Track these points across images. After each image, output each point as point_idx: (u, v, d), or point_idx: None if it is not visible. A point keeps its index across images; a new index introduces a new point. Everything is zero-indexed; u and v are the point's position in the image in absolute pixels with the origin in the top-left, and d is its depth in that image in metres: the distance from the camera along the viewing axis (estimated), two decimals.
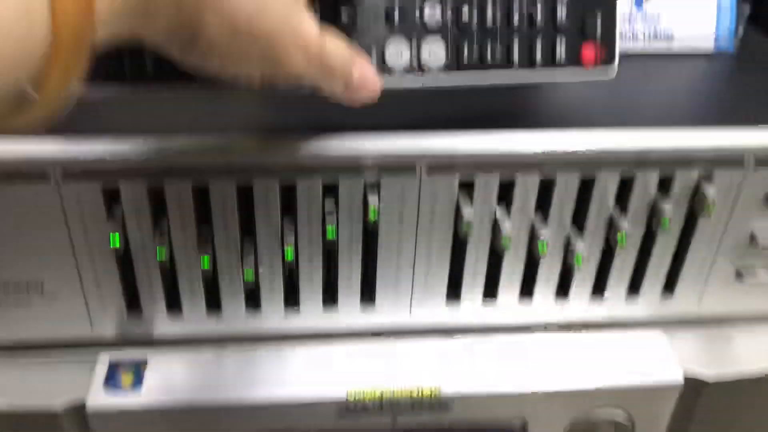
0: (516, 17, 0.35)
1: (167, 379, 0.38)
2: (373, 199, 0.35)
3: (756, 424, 0.43)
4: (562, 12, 0.35)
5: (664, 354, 0.41)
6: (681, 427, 0.42)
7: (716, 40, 0.45)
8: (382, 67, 0.33)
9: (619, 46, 0.36)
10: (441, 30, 0.34)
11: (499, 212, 0.37)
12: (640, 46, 0.45)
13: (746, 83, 0.43)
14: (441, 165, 0.35)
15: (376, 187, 0.35)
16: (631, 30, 0.44)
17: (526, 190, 0.36)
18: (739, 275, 0.41)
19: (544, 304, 0.41)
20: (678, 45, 0.45)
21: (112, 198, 0.34)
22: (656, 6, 0.44)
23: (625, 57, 0.43)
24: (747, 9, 0.45)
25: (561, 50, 0.36)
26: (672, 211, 0.37)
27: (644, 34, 0.44)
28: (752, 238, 0.39)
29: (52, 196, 0.34)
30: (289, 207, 0.36)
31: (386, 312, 0.40)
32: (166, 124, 0.34)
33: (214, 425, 0.38)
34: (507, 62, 0.35)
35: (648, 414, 0.41)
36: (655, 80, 0.42)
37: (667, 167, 0.36)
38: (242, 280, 0.37)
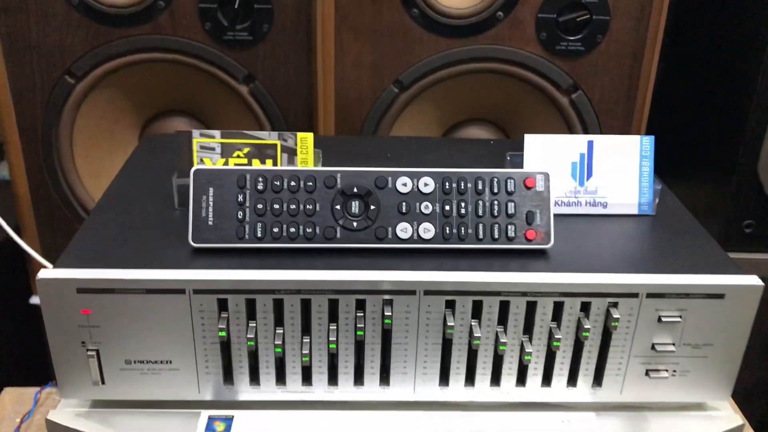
0: (481, 211, 0.55)
1: (247, 427, 0.56)
2: (387, 311, 0.54)
3: None
4: (513, 209, 0.55)
5: (592, 427, 0.57)
6: None
7: (639, 206, 0.64)
8: (395, 239, 0.54)
9: (553, 226, 0.55)
10: (432, 218, 0.55)
11: (473, 323, 0.55)
12: (582, 210, 0.64)
13: (654, 239, 0.61)
14: (432, 290, 0.54)
15: (390, 303, 0.54)
16: (576, 199, 0.63)
17: (491, 309, 0.55)
18: (647, 373, 0.58)
19: (507, 388, 0.58)
20: (611, 210, 0.64)
21: (221, 306, 0.54)
22: (594, 183, 0.64)
23: (572, 216, 0.63)
24: (660, 184, 0.64)
25: (513, 231, 0.56)
26: (591, 326, 0.55)
27: (585, 202, 0.64)
28: (653, 347, 0.57)
29: (185, 303, 0.54)
30: (333, 316, 0.55)
31: (397, 390, 0.58)
32: (255, 265, 0.54)
33: None
34: (476, 238, 0.55)
35: None
36: (589, 236, 0.61)
37: (586, 297, 0.55)
38: (301, 364, 0.56)
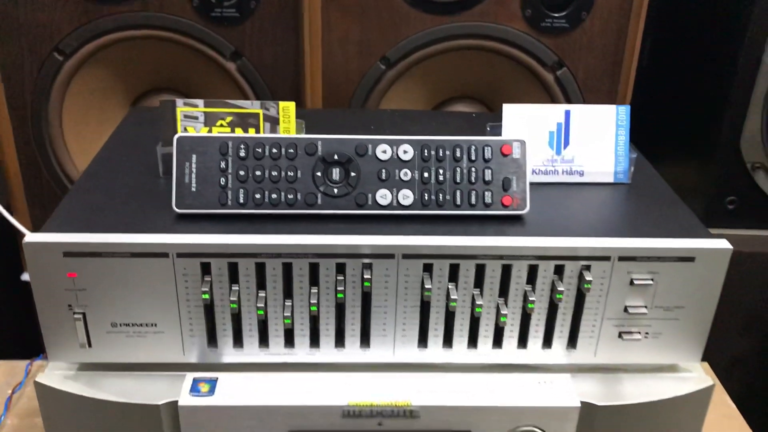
0: (459, 177, 0.56)
1: (231, 389, 0.58)
2: (367, 275, 0.56)
3: None
4: (490, 175, 0.56)
5: (568, 389, 0.59)
6: None
7: (615, 174, 0.65)
8: (375, 205, 0.55)
9: (530, 190, 0.57)
10: (411, 184, 0.56)
11: (450, 286, 0.57)
12: (559, 179, 0.65)
13: (628, 206, 0.63)
14: (411, 254, 0.55)
15: (370, 267, 0.56)
16: (553, 168, 0.65)
17: (467, 272, 0.56)
18: (620, 335, 0.59)
19: (484, 350, 0.60)
20: (587, 178, 0.65)
21: (205, 270, 0.55)
22: (571, 152, 0.65)
23: (549, 185, 0.64)
24: (635, 152, 0.66)
25: (490, 197, 0.57)
26: (564, 289, 0.56)
27: (562, 170, 0.65)
28: (626, 309, 0.58)
29: (168, 267, 0.55)
30: (314, 279, 0.56)
31: (377, 352, 0.60)
32: (238, 230, 0.56)
33: (259, 418, 0.57)
34: (454, 204, 0.57)
35: (558, 429, 0.59)
36: (565, 203, 0.62)
37: (559, 260, 0.56)
38: (283, 326, 0.58)
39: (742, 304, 1.22)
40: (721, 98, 1.14)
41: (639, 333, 0.59)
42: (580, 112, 0.65)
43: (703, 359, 0.62)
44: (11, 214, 1.01)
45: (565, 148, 0.65)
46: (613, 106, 0.65)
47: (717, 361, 1.00)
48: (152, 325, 0.57)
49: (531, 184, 0.60)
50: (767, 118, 1.14)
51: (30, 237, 0.54)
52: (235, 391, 0.58)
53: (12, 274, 1.19)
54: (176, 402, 0.57)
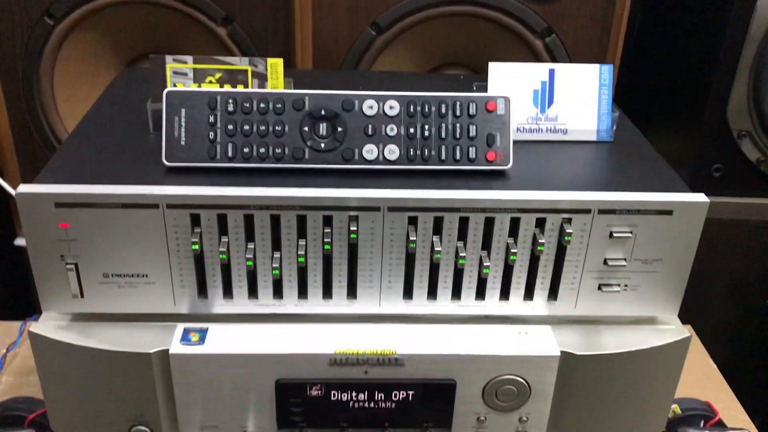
0: (444, 133, 0.57)
1: (221, 338, 0.59)
2: (353, 227, 0.57)
3: (616, 390, 0.62)
4: (475, 131, 0.57)
5: (548, 339, 0.61)
6: (564, 391, 0.61)
7: (598, 132, 0.67)
8: (361, 160, 0.56)
9: (513, 146, 0.58)
10: (397, 140, 0.57)
11: (434, 238, 0.58)
12: (543, 137, 0.66)
13: (610, 162, 0.64)
14: (396, 207, 0.57)
15: (356, 219, 0.57)
16: (537, 126, 0.66)
17: (451, 225, 0.58)
18: (600, 288, 0.61)
19: (467, 302, 0.61)
20: (570, 136, 0.67)
21: (194, 221, 0.57)
22: (555, 110, 0.66)
23: (533, 143, 0.65)
24: (617, 111, 0.67)
25: (474, 153, 0.58)
26: (545, 241, 0.58)
27: (546, 128, 0.66)
28: (605, 262, 0.60)
29: (159, 217, 0.56)
30: (301, 232, 0.58)
31: (363, 304, 0.61)
32: (226, 183, 0.57)
33: (248, 366, 0.59)
34: (439, 159, 0.58)
35: (539, 379, 0.61)
36: (548, 160, 0.64)
37: (541, 213, 0.57)
38: (272, 277, 0.59)
39: (727, 270, 1.24)
40: (709, 66, 1.15)
41: (618, 285, 0.61)
42: (564, 71, 0.66)
43: (688, 324, 0.63)
44: (2, 177, 1.02)
45: (549, 106, 0.66)
46: (596, 66, 0.66)
47: (701, 326, 1.03)
48: (143, 275, 0.59)
49: (515, 141, 0.61)
50: (754, 87, 1.15)
51: (22, 188, 0.55)
52: (224, 340, 0.59)
53: (6, 240, 1.20)
54: (167, 350, 0.58)
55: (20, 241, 1.20)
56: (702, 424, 0.76)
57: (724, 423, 0.77)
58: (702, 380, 0.93)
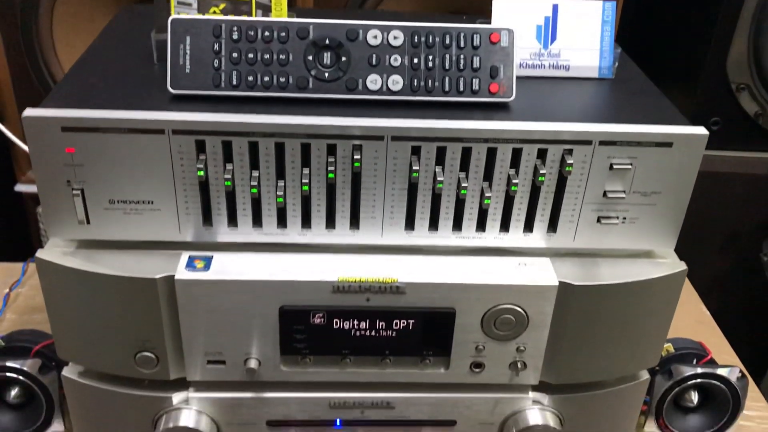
0: (448, 64, 0.58)
1: (225, 265, 0.60)
2: (357, 156, 0.58)
3: (612, 322, 0.63)
4: (478, 63, 0.58)
5: (546, 269, 0.62)
6: (561, 321, 0.63)
7: (600, 69, 0.67)
8: (365, 90, 0.56)
9: (516, 80, 0.59)
10: (401, 70, 0.57)
11: (437, 169, 0.59)
12: (545, 73, 0.67)
13: (611, 97, 0.65)
14: (399, 136, 0.57)
15: (360, 148, 0.58)
16: (540, 62, 0.66)
17: (453, 155, 0.58)
18: (599, 220, 0.62)
19: (468, 233, 0.62)
20: (573, 72, 0.67)
21: (200, 148, 0.57)
22: (558, 46, 0.66)
23: (535, 79, 0.66)
24: (619, 48, 0.67)
25: (477, 84, 0.59)
26: (546, 172, 0.59)
27: (549, 64, 0.67)
28: (605, 194, 0.61)
29: (164, 143, 0.57)
30: (306, 160, 0.58)
31: (366, 234, 0.62)
32: (231, 111, 0.57)
33: (252, 293, 0.60)
34: (442, 90, 0.58)
35: (537, 309, 0.62)
36: (550, 94, 0.64)
37: (542, 144, 0.58)
38: (276, 206, 0.60)
39: (723, 224, 1.25)
40: (709, 18, 1.15)
41: (617, 218, 0.62)
42: (568, 6, 0.66)
43: None
44: (2, 122, 1.02)
45: (552, 42, 0.66)
46: (599, 2, 0.66)
47: (696, 279, 1.04)
48: (149, 202, 0.59)
49: (518, 77, 0.61)
50: (754, 39, 1.15)
51: (29, 112, 0.55)
52: (229, 267, 0.60)
53: (6, 185, 1.20)
54: (173, 276, 0.59)
55: (20, 187, 1.21)
56: (694, 362, 0.78)
57: (716, 362, 0.79)
58: (694, 325, 0.95)
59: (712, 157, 1.20)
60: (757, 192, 1.23)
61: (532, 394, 0.68)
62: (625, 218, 0.62)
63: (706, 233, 1.24)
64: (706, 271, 1.26)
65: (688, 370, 0.75)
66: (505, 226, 0.62)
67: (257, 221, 0.61)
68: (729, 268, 1.28)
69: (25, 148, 0.90)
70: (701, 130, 0.59)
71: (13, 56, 1.10)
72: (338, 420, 0.68)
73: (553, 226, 0.62)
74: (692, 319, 0.97)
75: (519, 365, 0.65)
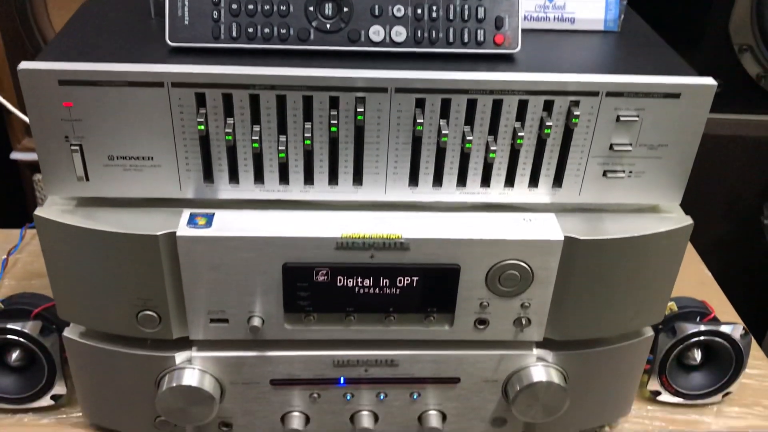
0: (452, 14, 0.56)
1: (227, 222, 0.59)
2: (360, 108, 0.57)
3: (617, 278, 0.63)
4: (483, 13, 0.57)
5: (552, 224, 0.61)
6: (566, 277, 0.62)
7: (605, 22, 0.66)
8: (368, 41, 0.55)
9: (521, 32, 0.58)
10: (404, 21, 0.56)
11: (441, 122, 0.58)
12: (550, 26, 0.65)
13: (617, 49, 0.64)
14: (403, 88, 0.56)
15: (363, 101, 0.57)
16: (545, 14, 0.65)
17: (458, 107, 0.57)
18: (605, 174, 0.61)
19: (473, 189, 0.61)
20: (578, 25, 0.66)
21: (200, 101, 0.56)
22: None
23: (541, 32, 0.65)
24: (625, 1, 0.66)
25: (482, 35, 0.58)
26: (552, 124, 0.58)
27: (554, 17, 0.65)
28: (611, 147, 0.60)
29: (164, 97, 0.56)
30: (308, 114, 0.57)
31: (369, 191, 0.61)
32: (231, 63, 0.56)
33: (256, 250, 0.59)
34: (447, 42, 0.57)
35: (542, 264, 0.61)
36: (556, 46, 0.63)
37: (549, 95, 0.57)
38: (278, 161, 0.59)
39: (725, 187, 1.25)
40: None
41: (623, 172, 0.61)
42: None
43: None
44: None
45: None
46: None
47: (697, 243, 1.04)
48: (149, 158, 0.58)
49: (522, 30, 0.60)
50: (757, 0, 1.13)
51: (25, 65, 0.54)
52: (231, 223, 0.60)
53: (1, 153, 1.19)
54: (174, 233, 0.58)
55: (16, 155, 1.20)
56: (698, 320, 0.77)
57: (719, 320, 0.79)
58: (697, 286, 0.95)
59: (713, 120, 1.18)
60: (759, 155, 1.22)
61: (536, 351, 0.67)
62: (631, 172, 0.61)
63: (707, 197, 1.23)
64: (707, 234, 1.25)
65: (692, 328, 0.75)
66: (510, 181, 0.61)
67: (259, 177, 0.60)
68: (730, 231, 1.28)
69: (20, 114, 0.89)
70: (709, 81, 0.58)
71: (5, 22, 1.08)
72: (342, 378, 0.67)
73: (558, 180, 0.62)
74: (694, 281, 0.97)
75: (523, 321, 0.64)
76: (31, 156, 1.18)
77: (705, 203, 1.24)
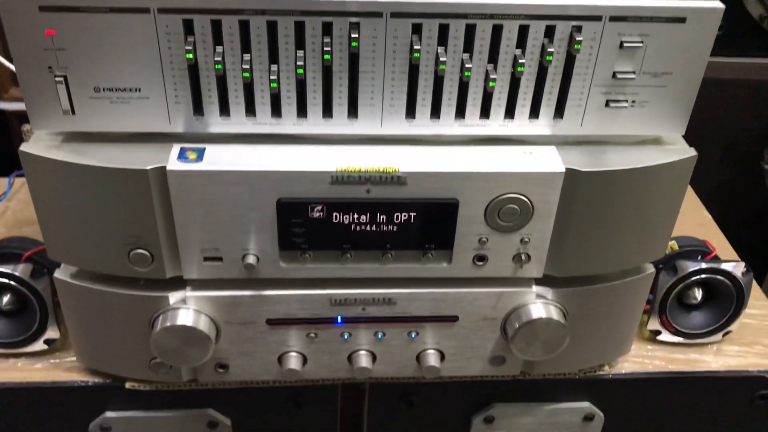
0: None
1: (218, 156, 0.58)
2: (354, 34, 0.54)
3: (619, 211, 0.62)
4: None
5: (552, 157, 0.60)
6: (567, 211, 0.61)
7: None
8: None
9: None
10: None
11: (439, 49, 0.56)
12: None
13: None
14: (399, 12, 0.54)
15: (357, 26, 0.54)
16: None
17: (456, 33, 0.55)
18: (607, 104, 0.59)
19: (472, 121, 0.60)
20: None
21: (188, 28, 0.54)
22: None
23: None
24: None
25: None
26: (554, 50, 0.56)
27: None
28: (614, 75, 0.58)
29: (150, 24, 0.53)
30: (300, 42, 0.55)
31: (365, 123, 0.59)
32: None
33: (248, 185, 0.57)
34: None
35: (542, 197, 0.60)
36: None
37: (550, 20, 0.55)
38: (269, 91, 0.57)
39: (725, 131, 1.23)
40: None
41: (626, 101, 0.59)
42: None
43: None
44: None
45: None
46: None
47: (697, 187, 1.02)
48: (136, 90, 0.56)
49: None
50: None
51: None
52: (223, 158, 0.58)
53: None
54: (164, 167, 0.57)
55: (3, 105, 1.17)
56: (699, 258, 0.77)
57: (720, 259, 0.78)
58: (697, 228, 0.93)
59: (714, 63, 1.16)
60: (760, 99, 1.20)
61: (535, 288, 0.66)
62: (634, 101, 0.59)
63: (706, 141, 1.21)
64: (707, 179, 1.24)
65: (693, 266, 0.74)
66: (510, 113, 0.60)
67: (250, 110, 0.58)
68: (729, 176, 1.26)
69: (6, 63, 0.86)
70: (716, 4, 0.56)
71: None
72: (339, 317, 0.66)
73: (560, 111, 0.60)
74: (695, 223, 0.96)
75: (523, 257, 0.63)
76: (18, 106, 1.15)
77: (704, 148, 1.22)
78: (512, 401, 0.77)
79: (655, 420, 0.80)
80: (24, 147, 0.58)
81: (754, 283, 0.82)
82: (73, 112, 0.57)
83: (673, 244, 0.78)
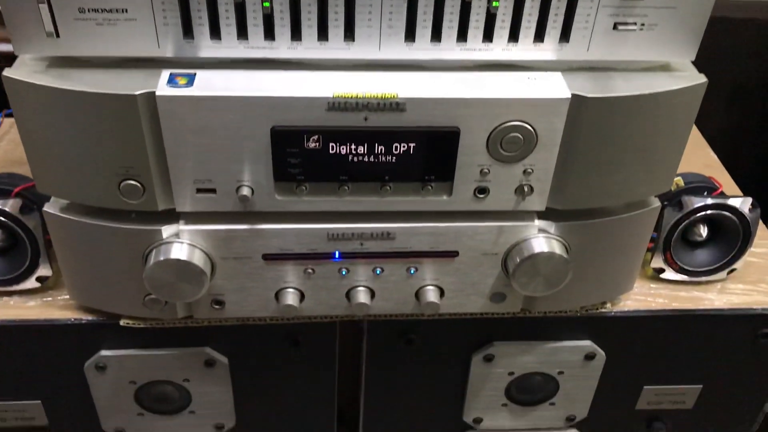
0: None
1: (209, 81, 0.55)
2: None
3: (626, 140, 0.59)
4: None
5: (558, 82, 0.57)
6: (572, 140, 0.59)
7: None
8: None
9: None
10: None
11: None
12: None
13: None
14: None
15: None
16: None
17: None
18: (615, 27, 0.57)
19: (474, 45, 0.57)
20: None
21: None
22: None
23: None
24: None
25: None
26: None
27: None
28: None
29: None
30: None
31: (362, 47, 0.57)
32: None
33: (241, 111, 0.55)
34: None
35: (547, 125, 0.58)
36: None
37: None
38: (262, 11, 0.54)
39: (731, 74, 1.20)
40: None
41: (635, 24, 0.57)
42: None
43: None
44: None
45: None
46: None
47: (703, 129, 1.00)
48: (123, 10, 0.54)
49: None
50: None
51: None
52: (214, 83, 0.56)
53: None
54: (153, 93, 0.55)
55: None
56: (705, 194, 0.75)
57: (726, 195, 0.76)
58: (703, 168, 0.91)
59: (721, 1, 1.13)
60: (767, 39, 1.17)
61: (537, 222, 0.65)
62: (643, 24, 0.57)
63: (713, 83, 1.19)
64: (712, 124, 1.22)
65: (699, 201, 0.72)
66: (514, 36, 0.57)
67: (242, 32, 0.56)
68: (736, 120, 1.24)
69: None
70: None
71: None
72: (337, 252, 0.65)
73: (565, 34, 0.57)
74: (700, 163, 0.94)
75: (525, 189, 0.61)
76: (5, 47, 1.12)
77: (710, 90, 1.20)
78: (512, 339, 0.76)
79: (657, 359, 0.79)
80: (7, 72, 0.55)
81: (761, 224, 0.80)
82: (58, 35, 0.54)
83: (679, 180, 0.76)
